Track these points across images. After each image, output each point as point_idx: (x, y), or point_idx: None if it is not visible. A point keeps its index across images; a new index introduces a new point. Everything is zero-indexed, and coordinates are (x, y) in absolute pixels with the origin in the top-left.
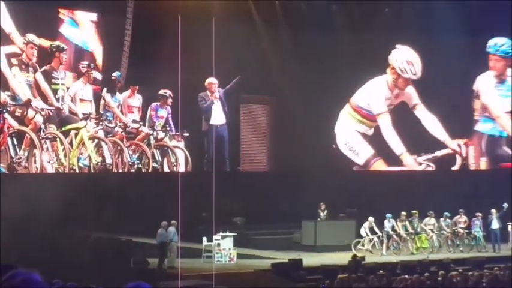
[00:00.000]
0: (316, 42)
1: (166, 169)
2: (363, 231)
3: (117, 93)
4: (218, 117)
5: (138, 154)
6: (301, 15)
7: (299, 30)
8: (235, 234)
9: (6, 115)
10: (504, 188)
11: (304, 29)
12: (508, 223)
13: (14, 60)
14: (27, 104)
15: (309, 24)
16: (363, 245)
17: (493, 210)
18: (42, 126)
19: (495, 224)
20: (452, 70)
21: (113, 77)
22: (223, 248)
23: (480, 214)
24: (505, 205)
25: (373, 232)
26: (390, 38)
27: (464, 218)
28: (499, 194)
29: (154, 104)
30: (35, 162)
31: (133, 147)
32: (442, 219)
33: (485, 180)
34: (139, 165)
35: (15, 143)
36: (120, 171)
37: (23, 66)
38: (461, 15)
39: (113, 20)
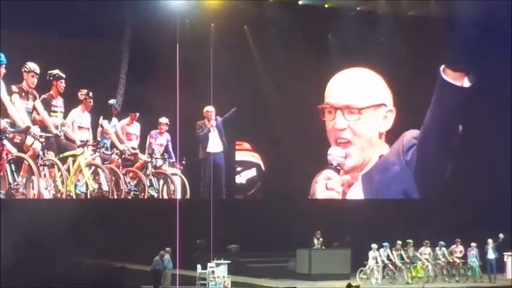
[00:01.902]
0: (312, 68)
1: (165, 196)
2: (374, 260)
3: (114, 118)
4: (215, 145)
5: (135, 181)
6: (296, 42)
7: (295, 57)
8: (230, 261)
9: (5, 141)
10: (500, 218)
11: (299, 56)
12: (504, 253)
13: (14, 88)
14: (26, 131)
15: (304, 51)
16: (365, 274)
17: (490, 240)
18: (41, 153)
19: (491, 254)
20: None
21: (109, 104)
22: (218, 276)
23: (475, 244)
24: (501, 236)
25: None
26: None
27: (461, 247)
28: (495, 224)
29: (153, 132)
30: (32, 189)
31: (130, 174)
32: (437, 248)
33: (481, 209)
34: (137, 193)
35: (14, 169)
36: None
37: (23, 94)
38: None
39: (110, 46)
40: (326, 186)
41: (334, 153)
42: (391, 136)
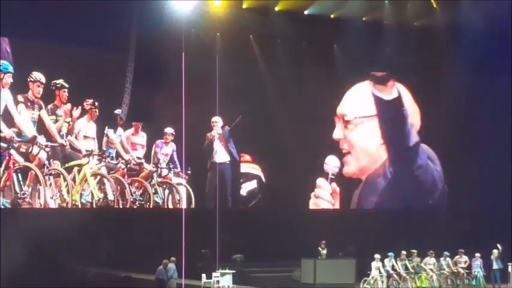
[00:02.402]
0: (317, 79)
1: (170, 206)
2: (377, 271)
3: (120, 128)
4: (221, 155)
5: (141, 191)
6: (302, 52)
7: (300, 68)
8: (235, 271)
9: (12, 151)
10: (505, 228)
11: (305, 66)
12: (509, 263)
13: (20, 98)
14: (33, 141)
15: (310, 61)
16: (369, 284)
17: (495, 251)
18: (46, 162)
19: (496, 264)
20: None
21: (115, 114)
22: (223, 286)
23: (479, 254)
24: (499, 247)
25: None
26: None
27: (465, 257)
28: (499, 234)
29: (159, 141)
30: (38, 198)
31: (136, 184)
32: (442, 258)
33: (486, 219)
34: (142, 202)
35: (20, 178)
36: (122, 207)
37: (29, 104)
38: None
39: (116, 55)
40: (315, 195)
41: (331, 163)
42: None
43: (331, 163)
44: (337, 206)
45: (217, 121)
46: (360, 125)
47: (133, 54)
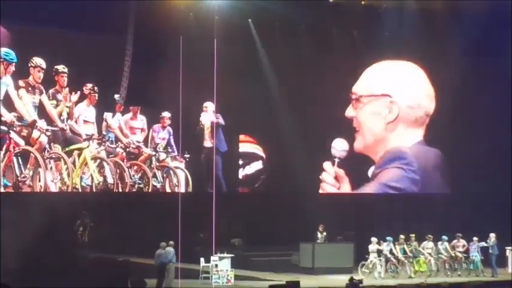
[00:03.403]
0: (315, 62)
1: (168, 189)
2: (374, 254)
3: (118, 113)
4: (210, 140)
5: (140, 174)
6: (301, 36)
7: (299, 51)
8: (233, 255)
9: (13, 135)
10: (503, 212)
11: (304, 50)
12: (506, 247)
13: (21, 83)
14: (33, 125)
15: (308, 45)
16: (367, 268)
17: (492, 234)
18: (47, 146)
19: (493, 248)
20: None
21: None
22: (221, 270)
23: (477, 238)
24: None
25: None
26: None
27: (463, 241)
28: (497, 218)
29: (156, 126)
30: (39, 181)
31: (135, 167)
32: (439, 242)
33: (483, 203)
34: (141, 185)
35: (21, 162)
36: (121, 190)
37: (30, 89)
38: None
39: (113, 39)
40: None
41: (337, 147)
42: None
43: (338, 146)
44: (345, 189)
45: (208, 106)
46: (368, 104)
47: (131, 37)
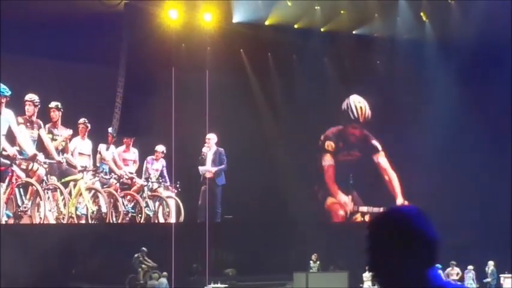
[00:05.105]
0: (308, 93)
1: (161, 218)
2: (369, 282)
3: (112, 146)
4: (211, 169)
5: (132, 204)
6: (293, 66)
7: (291, 81)
8: (227, 285)
9: (15, 167)
10: (499, 239)
11: (296, 80)
12: (501, 275)
13: (20, 119)
14: (34, 159)
15: (300, 75)
16: None
17: (490, 262)
18: (45, 178)
19: (489, 276)
20: None
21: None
22: None
23: (472, 267)
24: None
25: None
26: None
27: (457, 269)
28: (492, 245)
29: (149, 158)
30: (38, 211)
31: (128, 197)
32: None
33: (478, 230)
34: (134, 214)
35: (22, 193)
36: (115, 220)
37: (28, 124)
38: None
39: (106, 71)
40: None
41: None
42: None
43: None
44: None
45: (211, 138)
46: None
47: (123, 69)
